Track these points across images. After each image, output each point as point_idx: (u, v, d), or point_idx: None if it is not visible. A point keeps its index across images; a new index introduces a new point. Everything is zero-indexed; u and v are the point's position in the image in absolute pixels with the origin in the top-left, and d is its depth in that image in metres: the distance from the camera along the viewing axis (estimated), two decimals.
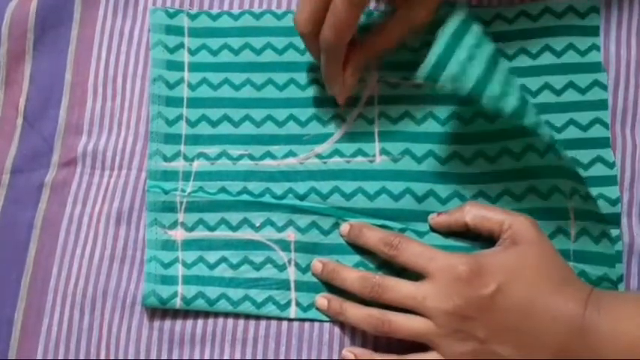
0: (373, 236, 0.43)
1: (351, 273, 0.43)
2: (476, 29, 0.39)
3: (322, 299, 0.43)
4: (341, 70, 0.43)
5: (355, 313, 0.42)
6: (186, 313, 0.44)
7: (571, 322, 0.38)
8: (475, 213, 0.42)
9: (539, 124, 0.40)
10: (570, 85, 0.45)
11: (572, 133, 0.44)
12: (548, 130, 0.40)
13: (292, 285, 0.44)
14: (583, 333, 0.38)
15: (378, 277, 0.42)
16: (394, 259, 0.42)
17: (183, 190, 0.45)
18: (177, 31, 0.48)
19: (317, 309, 0.44)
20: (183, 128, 0.46)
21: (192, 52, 0.47)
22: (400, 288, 0.41)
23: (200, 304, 0.44)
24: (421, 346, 0.41)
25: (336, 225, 0.44)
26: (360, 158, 0.45)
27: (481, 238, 0.43)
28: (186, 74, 0.47)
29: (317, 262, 0.44)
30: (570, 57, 0.45)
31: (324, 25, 0.40)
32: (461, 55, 0.39)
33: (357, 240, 0.44)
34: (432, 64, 0.39)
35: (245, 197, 0.45)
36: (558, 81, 0.45)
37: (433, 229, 0.44)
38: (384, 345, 0.43)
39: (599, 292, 0.39)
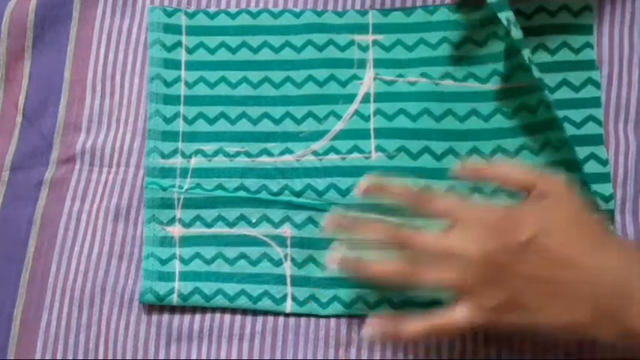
0: (398, 189, 0.41)
1: (375, 224, 0.41)
2: None
3: (336, 256, 0.41)
4: None
5: (379, 265, 0.39)
6: (183, 309, 0.44)
7: (615, 281, 0.36)
8: (504, 169, 0.41)
9: None
10: (564, 82, 0.45)
11: (566, 130, 0.45)
12: None
13: (288, 280, 0.44)
14: (627, 294, 0.35)
15: (405, 227, 0.40)
16: (422, 210, 0.40)
17: (180, 187, 0.46)
18: (175, 29, 0.48)
19: (336, 265, 0.41)
20: (180, 126, 0.47)
21: (189, 51, 0.48)
22: (429, 237, 0.39)
23: (197, 299, 0.44)
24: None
25: None
26: (355, 155, 0.46)
27: None
28: (183, 72, 0.47)
29: (333, 217, 0.42)
30: (564, 55, 0.46)
31: None
32: None
33: (381, 194, 0.41)
34: None
35: (242, 194, 0.46)
36: (552, 79, 0.45)
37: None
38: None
39: None
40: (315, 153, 0.46)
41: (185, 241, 0.45)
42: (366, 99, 0.47)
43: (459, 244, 0.38)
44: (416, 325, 0.39)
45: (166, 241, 0.45)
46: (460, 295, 0.38)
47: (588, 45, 0.46)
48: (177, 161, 0.46)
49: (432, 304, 0.43)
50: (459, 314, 0.38)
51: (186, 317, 0.44)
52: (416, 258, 0.39)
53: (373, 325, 0.40)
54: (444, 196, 0.40)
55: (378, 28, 0.47)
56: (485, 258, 0.37)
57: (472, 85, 0.46)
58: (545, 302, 0.36)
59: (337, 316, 0.44)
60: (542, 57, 0.46)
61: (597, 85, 0.45)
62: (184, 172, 0.46)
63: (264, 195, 0.45)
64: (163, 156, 0.46)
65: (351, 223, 0.41)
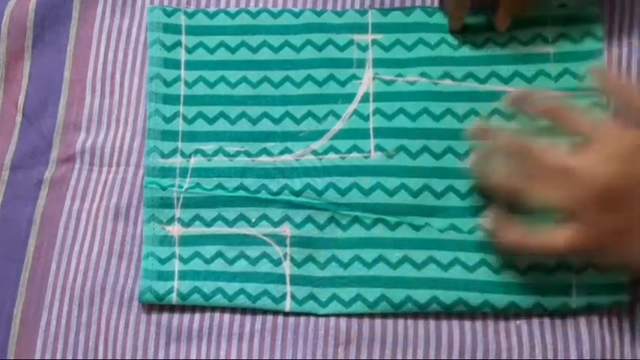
0: (539, 103, 0.41)
1: (503, 133, 0.41)
2: None
3: (476, 155, 0.42)
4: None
5: (498, 173, 0.40)
6: (183, 308, 0.44)
7: None
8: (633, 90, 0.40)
9: None
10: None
11: None
12: None
13: (287, 279, 0.44)
14: None
15: (534, 140, 0.40)
16: (556, 124, 0.40)
17: (180, 187, 0.46)
18: (175, 29, 0.48)
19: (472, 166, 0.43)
20: (180, 125, 0.47)
21: (189, 50, 0.48)
22: (554, 151, 0.38)
23: (196, 298, 0.44)
24: None
25: (332, 219, 0.45)
26: (355, 154, 0.46)
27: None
28: (183, 72, 0.48)
29: (474, 126, 0.43)
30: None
31: None
32: None
33: (523, 107, 0.42)
34: None
35: (241, 193, 0.46)
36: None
37: (432, 219, 0.44)
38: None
39: None
40: (314, 152, 0.46)
41: (184, 240, 0.45)
42: (365, 98, 0.47)
43: (582, 164, 0.37)
44: (518, 233, 0.39)
45: (166, 241, 0.45)
46: (569, 216, 0.37)
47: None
48: (177, 161, 0.46)
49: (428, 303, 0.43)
50: (562, 235, 0.37)
51: (186, 316, 0.44)
52: (537, 171, 0.38)
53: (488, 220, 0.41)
54: (580, 114, 0.39)
55: (378, 28, 0.48)
56: (606, 183, 0.36)
57: (471, 85, 0.46)
58: None
59: (336, 315, 0.44)
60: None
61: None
62: (184, 172, 0.46)
63: (263, 194, 0.46)
64: (163, 155, 0.46)
65: (486, 132, 0.42)
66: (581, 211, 0.36)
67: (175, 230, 0.45)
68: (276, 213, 0.45)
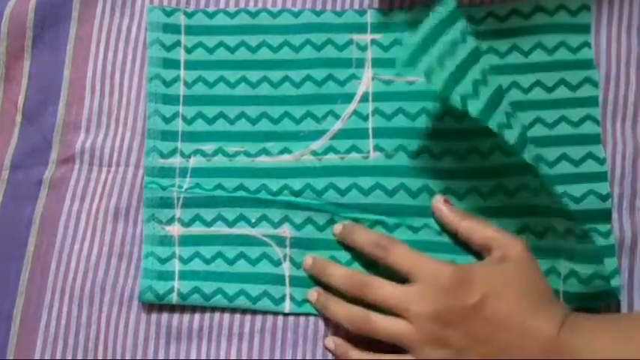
0: (364, 236, 0.43)
1: (339, 270, 0.43)
2: (460, 25, 0.40)
3: (313, 293, 0.44)
4: None
5: (338, 308, 0.43)
6: (183, 308, 0.45)
7: (544, 342, 0.38)
8: (468, 225, 0.43)
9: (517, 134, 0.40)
10: (562, 82, 0.45)
11: (564, 129, 0.45)
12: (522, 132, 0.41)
13: (287, 280, 0.44)
14: (557, 354, 0.38)
15: (365, 276, 0.42)
16: (382, 261, 0.42)
17: (180, 187, 0.46)
18: (174, 29, 0.48)
19: (309, 302, 0.44)
20: (179, 125, 0.47)
21: (188, 50, 0.48)
22: (385, 288, 0.41)
23: (196, 298, 0.44)
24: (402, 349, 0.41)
25: (331, 221, 0.45)
26: (354, 154, 0.46)
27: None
28: (182, 72, 0.48)
29: (308, 258, 0.44)
30: (562, 54, 0.46)
31: None
32: (436, 51, 0.40)
33: (347, 239, 0.44)
34: (409, 52, 0.40)
35: (241, 193, 0.46)
36: (550, 78, 0.45)
37: (431, 220, 0.45)
38: (374, 341, 0.43)
39: (576, 314, 0.40)
40: (313, 153, 0.46)
41: (184, 240, 0.45)
42: (364, 98, 0.47)
43: (412, 300, 0.40)
44: (361, 358, 0.42)
45: (166, 241, 0.45)
46: (408, 348, 0.40)
47: (586, 44, 0.46)
48: (177, 161, 0.46)
49: None
50: None
51: (186, 316, 0.44)
52: (376, 306, 0.41)
53: (330, 341, 0.43)
54: (405, 250, 0.42)
55: (377, 28, 0.48)
56: (434, 317, 0.39)
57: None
58: None
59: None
60: (540, 56, 0.46)
61: (595, 84, 0.45)
62: (184, 172, 0.46)
63: (263, 195, 0.46)
64: (163, 155, 0.46)
65: (322, 266, 0.44)
66: (415, 344, 0.40)
67: (175, 230, 0.46)
68: (276, 213, 0.45)
